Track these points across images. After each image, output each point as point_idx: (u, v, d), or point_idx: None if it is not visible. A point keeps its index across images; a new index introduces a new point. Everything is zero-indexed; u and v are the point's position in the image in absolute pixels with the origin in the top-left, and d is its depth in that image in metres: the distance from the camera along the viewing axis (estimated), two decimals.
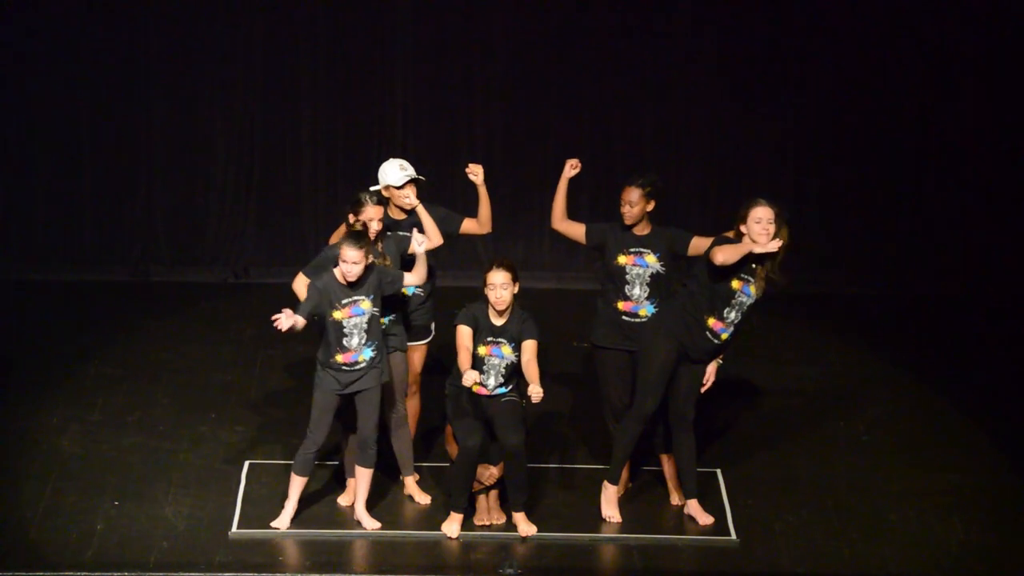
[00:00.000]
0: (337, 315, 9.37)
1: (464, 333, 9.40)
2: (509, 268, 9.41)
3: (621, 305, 9.77)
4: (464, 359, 9.32)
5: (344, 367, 9.42)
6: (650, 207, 9.73)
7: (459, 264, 13.21)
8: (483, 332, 9.42)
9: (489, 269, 9.43)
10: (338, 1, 13.79)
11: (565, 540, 9.53)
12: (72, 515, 9.62)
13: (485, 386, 9.47)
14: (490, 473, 9.59)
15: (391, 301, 9.66)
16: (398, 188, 9.76)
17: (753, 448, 10.71)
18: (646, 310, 9.73)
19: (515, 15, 13.80)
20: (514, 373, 9.47)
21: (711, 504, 9.88)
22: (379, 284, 9.42)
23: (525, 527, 9.54)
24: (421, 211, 9.71)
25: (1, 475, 10.09)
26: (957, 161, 13.86)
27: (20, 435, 10.66)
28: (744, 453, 10.62)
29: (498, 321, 9.44)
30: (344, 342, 9.40)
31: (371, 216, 9.52)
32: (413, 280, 9.53)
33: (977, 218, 13.86)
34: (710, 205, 13.99)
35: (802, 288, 13.69)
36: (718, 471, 10.23)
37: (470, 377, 9.19)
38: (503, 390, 9.49)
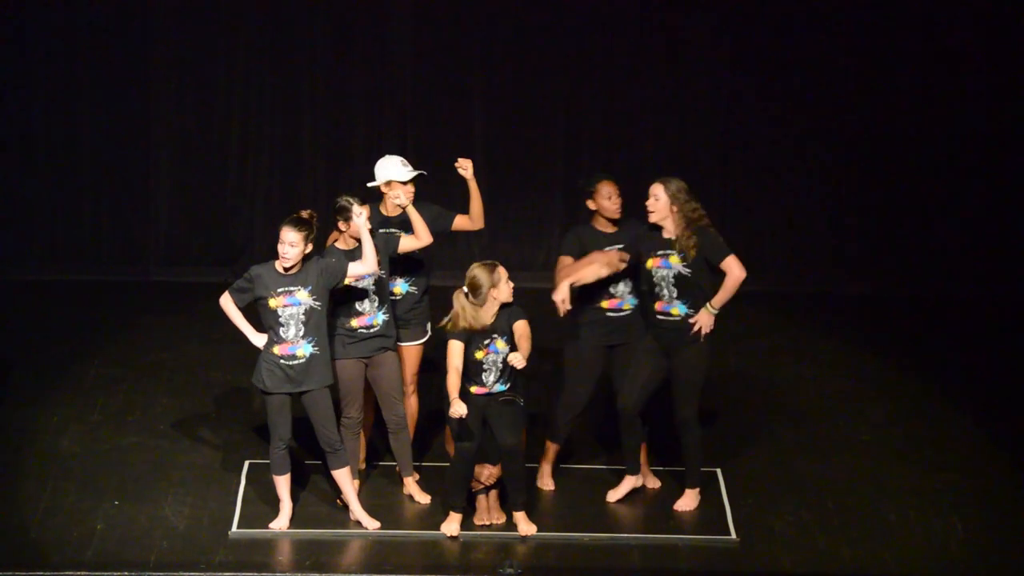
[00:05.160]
0: (272, 303, 9.35)
1: (456, 351, 9.39)
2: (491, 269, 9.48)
3: (605, 303, 9.89)
4: (453, 381, 9.32)
5: (282, 360, 9.39)
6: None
7: (459, 264, 13.19)
8: (477, 337, 9.42)
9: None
10: (339, 2, 13.80)
11: (565, 539, 9.53)
12: (72, 515, 9.63)
13: (485, 384, 9.47)
14: (489, 473, 9.59)
15: (385, 300, 9.68)
16: (404, 183, 9.75)
17: (753, 448, 10.72)
18: (630, 303, 9.87)
19: (515, 14, 13.80)
20: (512, 367, 9.50)
21: (711, 504, 9.89)
22: (319, 276, 9.38)
23: (525, 527, 9.54)
24: (411, 210, 9.69)
25: (1, 474, 10.09)
26: (958, 161, 13.86)
27: (20, 434, 10.67)
28: (744, 453, 10.62)
29: (488, 320, 9.45)
30: (281, 332, 9.36)
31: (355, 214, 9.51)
32: (360, 269, 9.46)
33: (978, 218, 13.86)
34: (713, 206, 13.96)
35: (802, 288, 13.77)
36: (718, 471, 10.23)
37: (456, 411, 9.20)
38: (502, 387, 9.49)
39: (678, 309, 9.68)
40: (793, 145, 13.95)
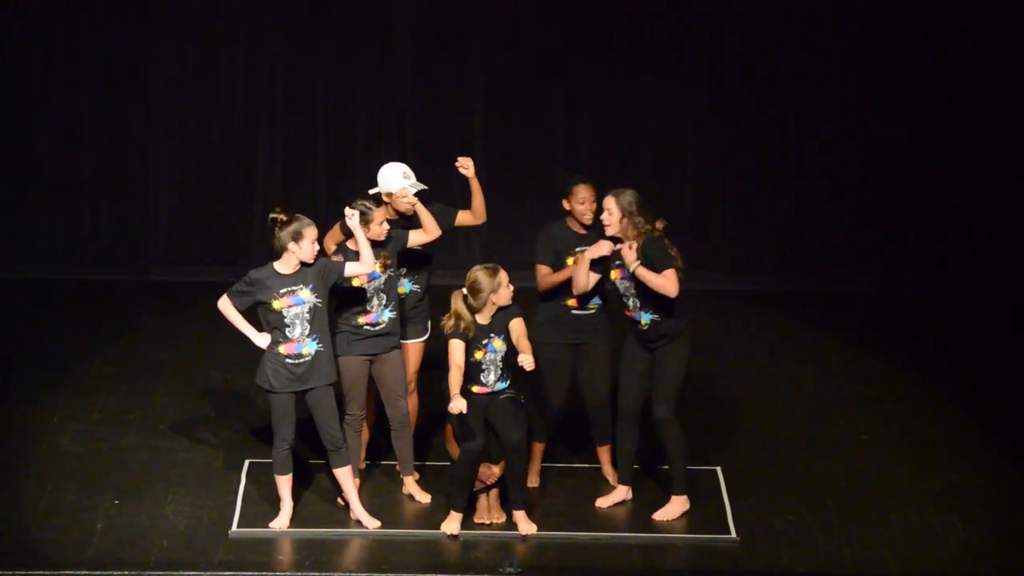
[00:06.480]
0: (276, 304, 9.38)
1: (457, 349, 9.41)
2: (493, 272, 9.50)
3: (570, 302, 9.92)
4: (455, 378, 9.34)
5: (288, 359, 9.42)
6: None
7: (459, 264, 13.20)
8: (476, 338, 9.44)
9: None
10: (339, 5, 13.79)
11: (565, 539, 9.53)
12: (72, 514, 9.63)
13: (486, 384, 9.48)
14: (491, 472, 9.60)
15: (393, 299, 9.71)
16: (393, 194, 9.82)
17: (753, 448, 10.72)
18: (594, 303, 9.93)
19: (515, 13, 13.80)
20: (510, 364, 9.50)
21: (711, 502, 9.89)
22: (317, 274, 9.42)
23: (525, 526, 9.55)
24: (419, 208, 9.76)
25: (1, 474, 10.09)
26: (957, 161, 13.85)
27: (20, 434, 10.67)
28: (744, 452, 10.62)
29: (484, 320, 9.48)
30: (287, 332, 9.39)
31: (380, 219, 9.56)
32: (358, 269, 9.50)
33: (976, 218, 13.85)
34: (713, 205, 14.00)
35: (802, 288, 13.76)
36: (718, 469, 10.23)
37: (456, 406, 9.22)
38: (503, 384, 9.51)
39: (644, 319, 9.68)
40: (793, 145, 13.94)
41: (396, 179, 9.79)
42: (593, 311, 9.95)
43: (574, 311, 9.94)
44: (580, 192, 9.86)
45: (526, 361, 9.26)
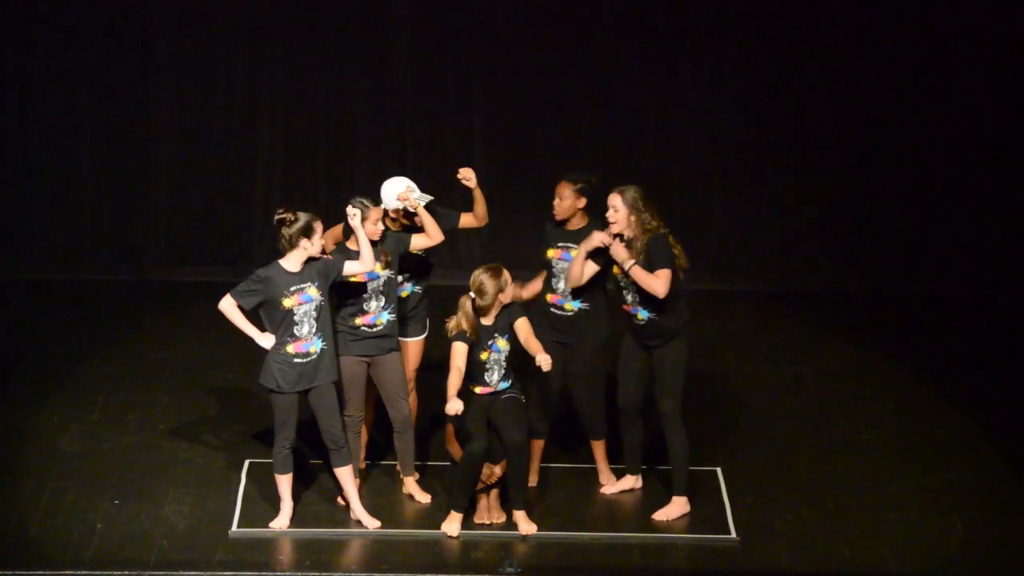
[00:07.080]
0: (287, 303, 9.39)
1: (460, 352, 9.42)
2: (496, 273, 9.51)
3: (549, 297, 9.93)
4: (454, 380, 9.35)
5: (296, 358, 9.42)
6: (581, 203, 9.87)
7: (459, 264, 13.24)
8: (480, 339, 9.44)
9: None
10: (339, 5, 13.80)
11: (565, 539, 9.53)
12: (72, 514, 9.63)
13: (489, 384, 9.49)
14: (492, 472, 9.60)
15: (392, 301, 9.71)
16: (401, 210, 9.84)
17: (753, 447, 10.72)
18: (571, 304, 9.89)
19: (514, 16, 13.81)
20: (512, 364, 9.52)
21: (711, 502, 9.89)
22: (321, 271, 9.45)
23: (525, 526, 9.55)
24: (422, 211, 9.76)
25: (1, 473, 10.10)
26: (957, 161, 13.86)
27: (20, 434, 10.68)
28: (744, 452, 10.62)
29: (488, 321, 9.49)
30: (295, 331, 9.40)
31: (375, 218, 9.57)
32: (356, 268, 9.52)
33: (976, 218, 13.86)
34: (713, 205, 14.00)
35: (801, 287, 13.76)
36: (718, 469, 10.24)
37: (452, 408, 9.24)
38: (505, 384, 9.51)
39: (641, 315, 9.67)
40: (793, 145, 13.94)
41: (400, 191, 9.79)
42: (571, 313, 9.92)
43: (552, 308, 9.94)
44: (557, 190, 9.90)
45: (544, 361, 9.28)
